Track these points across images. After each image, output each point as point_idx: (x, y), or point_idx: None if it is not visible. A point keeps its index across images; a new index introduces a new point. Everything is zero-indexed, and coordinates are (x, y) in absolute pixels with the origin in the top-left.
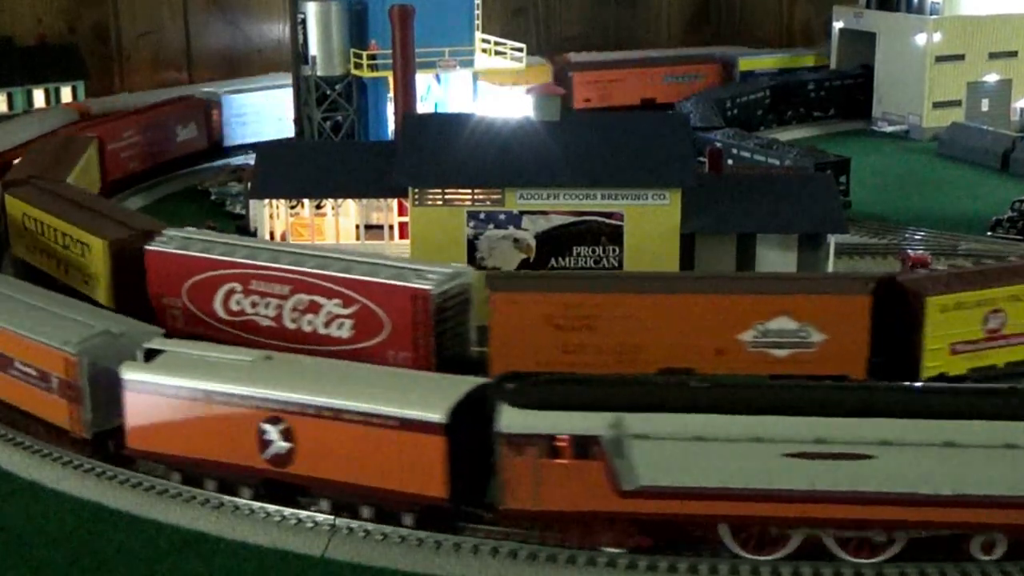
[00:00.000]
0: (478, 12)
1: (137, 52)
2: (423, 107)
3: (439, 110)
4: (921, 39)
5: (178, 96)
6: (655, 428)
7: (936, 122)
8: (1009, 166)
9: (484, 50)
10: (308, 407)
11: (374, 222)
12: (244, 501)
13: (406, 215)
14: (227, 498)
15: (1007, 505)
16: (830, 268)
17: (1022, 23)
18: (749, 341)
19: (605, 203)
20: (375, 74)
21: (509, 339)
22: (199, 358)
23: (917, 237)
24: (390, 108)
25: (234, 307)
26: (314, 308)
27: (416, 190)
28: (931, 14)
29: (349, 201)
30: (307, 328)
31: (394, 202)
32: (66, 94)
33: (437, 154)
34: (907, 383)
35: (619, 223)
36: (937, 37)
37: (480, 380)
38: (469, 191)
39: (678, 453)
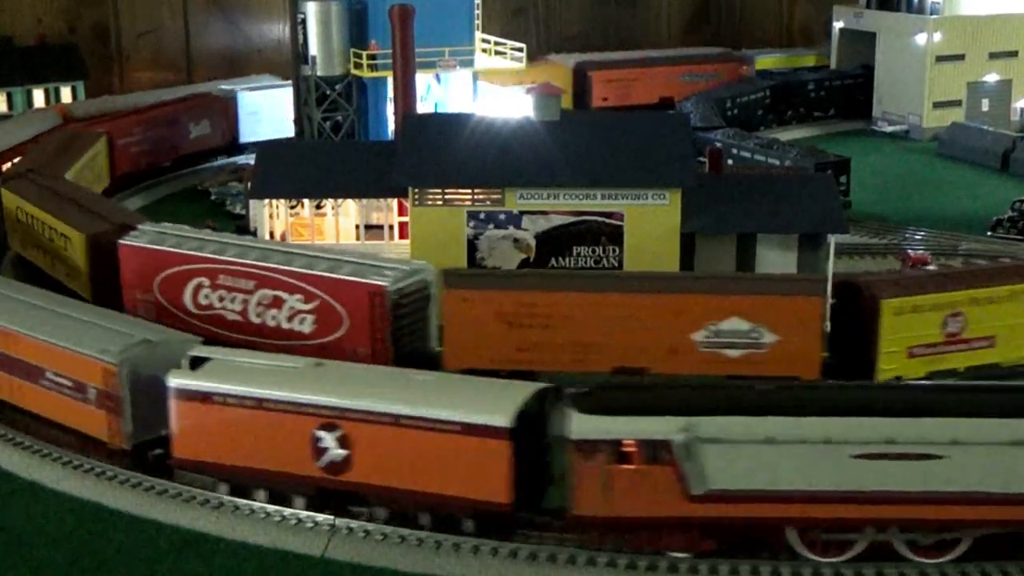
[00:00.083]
0: (478, 12)
1: (137, 52)
2: (423, 107)
3: (439, 110)
4: (921, 39)
5: (193, 93)
6: (725, 431)
7: (936, 122)
8: (1009, 166)
9: (484, 50)
10: (366, 413)
11: (374, 222)
12: (244, 501)
13: (406, 215)
14: (227, 498)
15: None
16: (830, 268)
17: (1022, 23)
18: (701, 341)
19: (605, 203)
20: (375, 74)
21: (463, 336)
22: (249, 365)
23: (917, 237)
24: (390, 108)
25: (203, 301)
26: (277, 303)
27: (416, 190)
28: (931, 14)
29: (349, 201)
30: (271, 323)
31: (394, 202)
32: (66, 94)
33: (437, 154)
34: (980, 383)
35: (619, 223)
36: (937, 37)
37: (538, 385)
38: (469, 191)
39: (748, 456)
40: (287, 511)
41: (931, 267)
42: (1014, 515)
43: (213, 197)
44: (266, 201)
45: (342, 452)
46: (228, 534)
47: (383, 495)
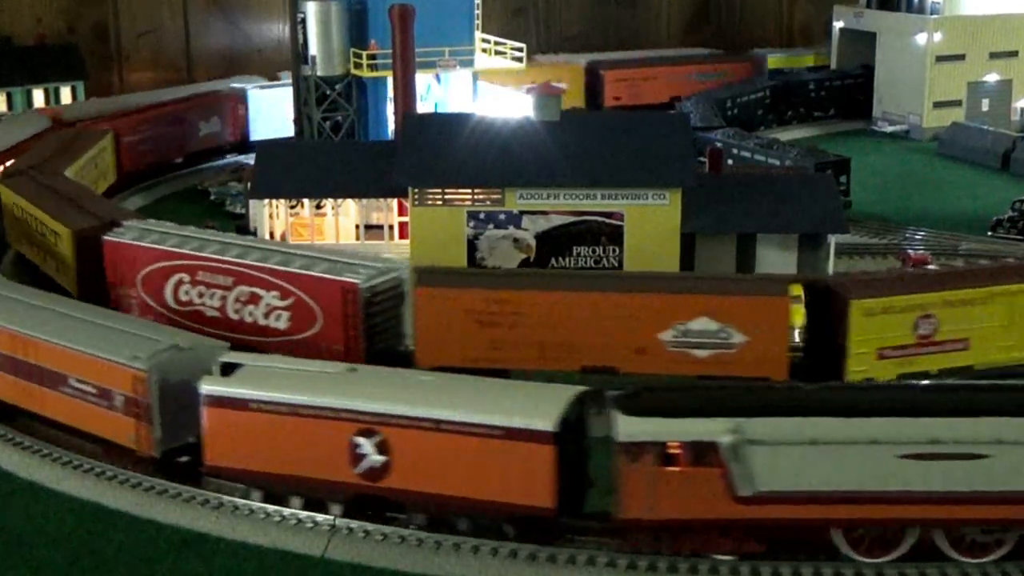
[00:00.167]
0: (478, 12)
1: (137, 52)
2: (423, 107)
3: (439, 110)
4: (921, 39)
5: (195, 92)
6: (772, 432)
7: (936, 122)
8: (1009, 166)
9: (484, 50)
10: (406, 418)
11: (374, 222)
12: (243, 501)
13: (406, 215)
14: (227, 498)
15: None
16: (830, 268)
17: (1022, 23)
18: (669, 341)
19: (605, 203)
20: (375, 74)
21: (434, 334)
22: (283, 370)
23: (917, 237)
24: (390, 108)
25: (183, 297)
26: (254, 300)
27: (416, 190)
28: (931, 14)
29: (349, 201)
30: (248, 319)
31: (394, 202)
32: (66, 94)
33: (437, 154)
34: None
35: (619, 223)
36: (937, 37)
37: (578, 388)
38: (469, 191)
39: (794, 457)
40: (287, 511)
41: (931, 267)
42: None
43: (213, 197)
44: (266, 201)
45: (381, 458)
46: (228, 534)
47: (423, 501)
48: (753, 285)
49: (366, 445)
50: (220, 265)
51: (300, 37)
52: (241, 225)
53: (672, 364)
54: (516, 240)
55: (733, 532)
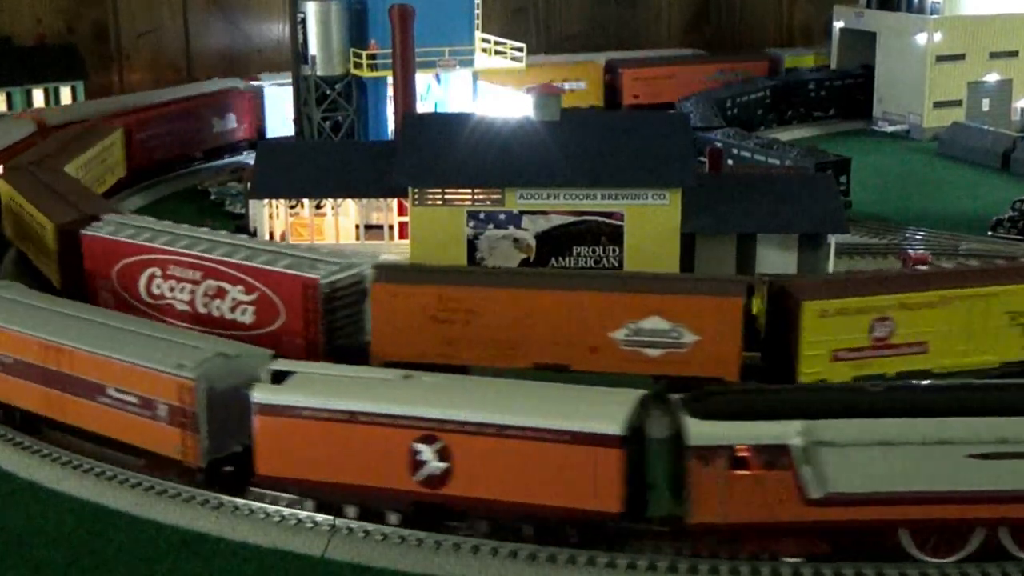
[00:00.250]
0: (478, 12)
1: (137, 52)
2: (423, 107)
3: (439, 110)
4: (922, 39)
5: (220, 88)
6: (842, 434)
7: (936, 122)
8: (1010, 166)
9: (484, 50)
10: (468, 424)
11: (374, 222)
12: (243, 501)
13: (406, 215)
14: (227, 498)
15: None
16: (831, 268)
17: (1022, 23)
18: (622, 340)
19: (605, 203)
20: (375, 74)
21: (390, 330)
22: (336, 377)
23: (918, 237)
24: (390, 108)
25: (155, 291)
26: (221, 294)
27: (416, 190)
28: (932, 14)
29: (349, 201)
30: (216, 313)
31: (394, 202)
32: (65, 94)
33: (437, 154)
34: None
35: (619, 223)
36: (938, 37)
37: (639, 391)
38: (469, 191)
39: (864, 459)
40: (287, 511)
41: (928, 266)
42: None
43: (213, 197)
44: (266, 201)
45: (442, 465)
46: (228, 534)
47: (485, 508)
48: (705, 286)
49: (426, 452)
50: (189, 260)
51: (300, 37)
52: (241, 225)
53: (625, 363)
54: (516, 240)
55: (802, 534)
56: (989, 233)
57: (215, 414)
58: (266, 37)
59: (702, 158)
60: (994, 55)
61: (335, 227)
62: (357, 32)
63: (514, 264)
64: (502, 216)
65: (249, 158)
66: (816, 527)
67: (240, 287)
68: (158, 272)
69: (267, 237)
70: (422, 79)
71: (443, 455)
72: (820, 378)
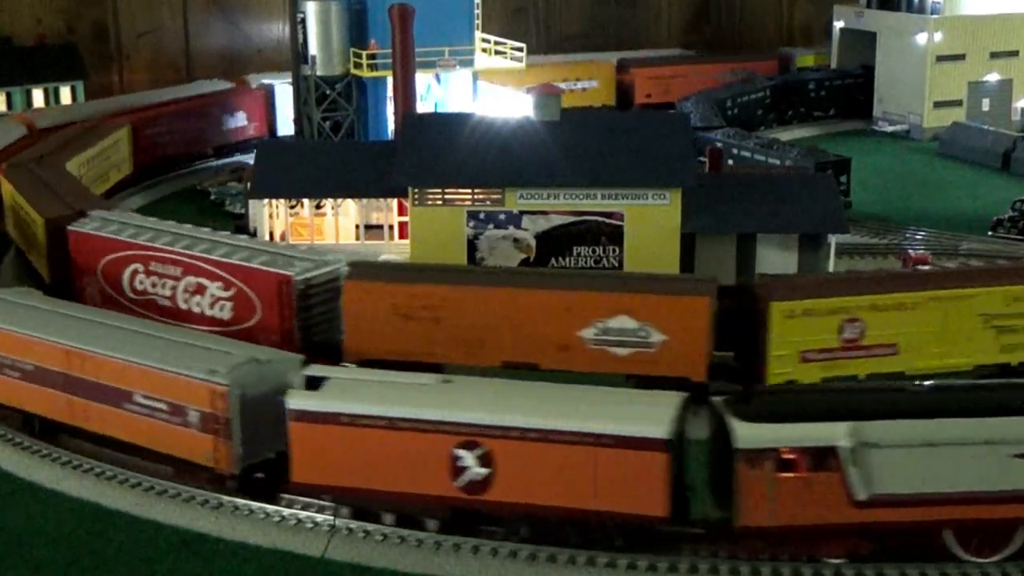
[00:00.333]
0: (478, 12)
1: (136, 52)
2: (423, 107)
3: (439, 110)
4: (922, 39)
5: (232, 86)
6: (888, 435)
7: (937, 122)
8: (1010, 166)
9: (484, 50)
10: (512, 429)
11: (374, 222)
12: (243, 501)
13: (406, 215)
14: (226, 498)
15: None
16: (831, 268)
17: (1023, 23)
18: (590, 338)
19: (605, 203)
20: (375, 74)
21: (362, 327)
22: (373, 383)
23: (918, 237)
24: (390, 108)
25: (138, 286)
26: (200, 290)
27: (416, 190)
28: (932, 14)
29: (349, 201)
30: (196, 309)
31: (394, 202)
32: (65, 94)
33: (437, 154)
34: None
35: (619, 223)
36: (938, 37)
37: (681, 394)
38: (469, 191)
39: (910, 459)
40: (287, 511)
41: (928, 267)
42: None
43: (212, 197)
44: (266, 201)
45: (483, 471)
46: (228, 534)
47: (527, 513)
48: (672, 285)
49: (468, 458)
50: (170, 256)
51: (300, 37)
52: (241, 225)
53: (593, 362)
54: (516, 240)
55: (848, 536)
56: (989, 233)
57: (248, 420)
58: (266, 37)
59: (702, 158)
60: (994, 55)
61: (335, 227)
62: (357, 32)
63: (515, 264)
64: (502, 216)
65: (250, 158)
66: (861, 529)
67: (219, 283)
68: (140, 268)
69: (267, 237)
70: (422, 79)
71: (485, 460)
72: (789, 379)
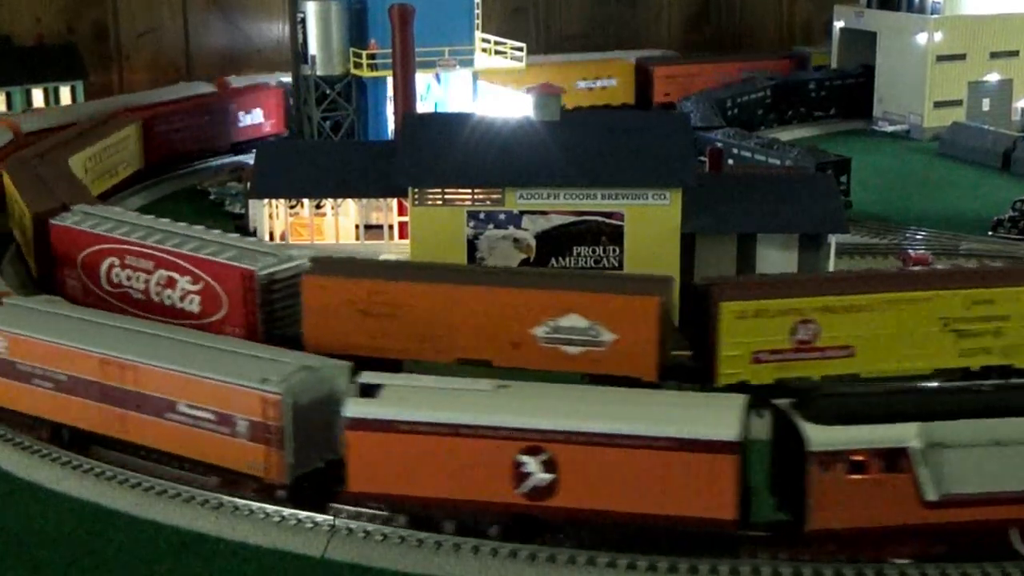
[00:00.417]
0: (478, 12)
1: (136, 52)
2: (423, 107)
3: (439, 110)
4: (922, 39)
5: (249, 84)
6: (957, 435)
7: (937, 122)
8: (1010, 166)
9: (484, 49)
10: (576, 434)
11: (374, 222)
12: (243, 501)
13: (406, 215)
14: (227, 498)
15: None
16: (831, 268)
17: (1023, 23)
18: (542, 336)
19: (605, 203)
20: (375, 74)
21: (320, 322)
22: (430, 389)
23: (918, 237)
24: (390, 108)
25: (115, 280)
26: (172, 284)
27: (416, 190)
28: (932, 13)
29: (349, 201)
30: (167, 302)
31: (394, 202)
32: (65, 94)
33: (437, 154)
34: None
35: (619, 223)
36: (938, 37)
37: (744, 395)
38: (469, 191)
39: (979, 459)
40: (287, 511)
41: (919, 265)
42: None
43: (212, 197)
44: (265, 201)
45: (548, 477)
46: (228, 534)
47: (592, 519)
48: (623, 284)
49: (531, 464)
50: (143, 250)
51: (300, 37)
52: (241, 225)
53: (545, 360)
54: (516, 240)
55: (917, 537)
56: (990, 233)
57: (299, 429)
58: (266, 37)
59: (702, 158)
60: (994, 55)
61: (335, 227)
62: (357, 32)
63: (515, 264)
64: (502, 216)
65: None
66: (930, 529)
67: (188, 277)
68: (116, 261)
69: (267, 237)
70: (422, 79)
71: (549, 466)
72: (740, 379)
